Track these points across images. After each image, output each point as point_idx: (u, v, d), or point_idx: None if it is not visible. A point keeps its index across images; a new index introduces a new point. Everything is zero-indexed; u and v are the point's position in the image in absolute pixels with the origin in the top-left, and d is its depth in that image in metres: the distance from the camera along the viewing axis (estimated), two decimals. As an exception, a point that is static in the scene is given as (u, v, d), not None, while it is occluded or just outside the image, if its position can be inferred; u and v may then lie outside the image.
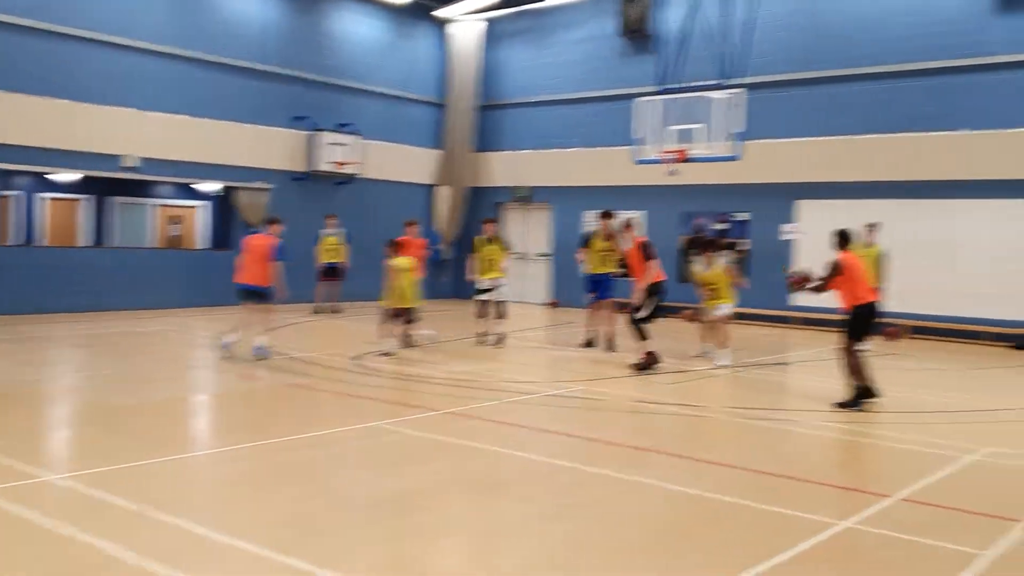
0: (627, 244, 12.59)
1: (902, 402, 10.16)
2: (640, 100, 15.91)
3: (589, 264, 14.23)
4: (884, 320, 13.99)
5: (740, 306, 19.77)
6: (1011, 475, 7.36)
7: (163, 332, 14.94)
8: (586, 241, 14.44)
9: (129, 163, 17.94)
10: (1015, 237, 16.51)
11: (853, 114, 18.28)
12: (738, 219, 19.92)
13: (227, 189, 19.93)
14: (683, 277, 20.00)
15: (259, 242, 12.31)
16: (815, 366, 13.24)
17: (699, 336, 13.53)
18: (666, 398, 10.24)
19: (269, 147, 20.22)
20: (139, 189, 21.31)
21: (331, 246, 18.65)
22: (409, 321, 13.16)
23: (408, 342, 13.39)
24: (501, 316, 14.51)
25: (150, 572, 4.65)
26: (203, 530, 5.28)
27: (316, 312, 18.44)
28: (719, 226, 20.18)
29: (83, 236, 21.33)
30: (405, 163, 23.21)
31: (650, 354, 11.82)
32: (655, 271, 11.99)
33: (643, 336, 11.90)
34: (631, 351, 12.36)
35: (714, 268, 12.89)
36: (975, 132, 16.92)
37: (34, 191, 20.52)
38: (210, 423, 9.04)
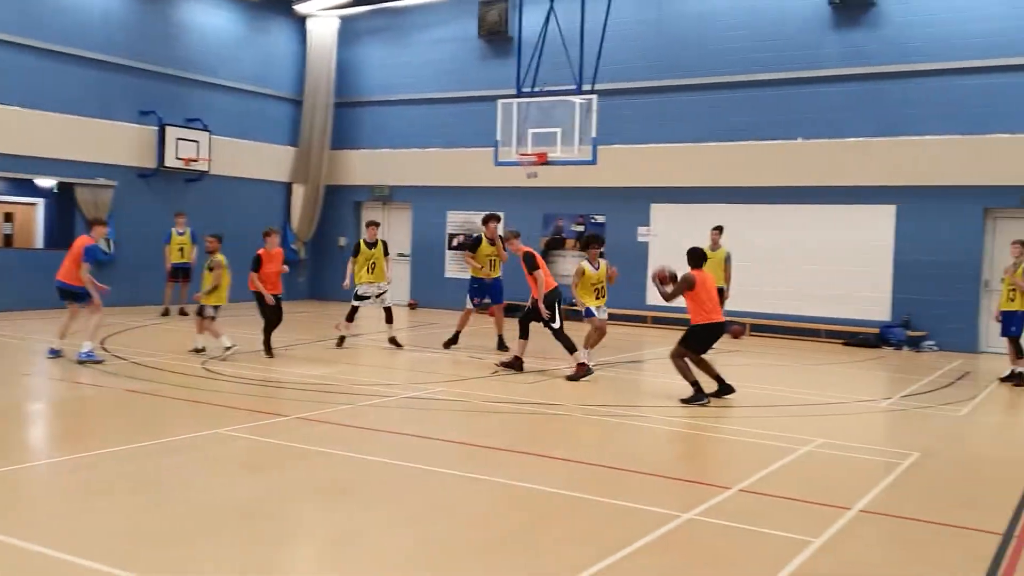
0: (513, 252, 12.60)
1: (744, 397, 10.61)
2: (501, 102, 16.02)
3: (477, 268, 14.20)
4: (728, 320, 14.60)
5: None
6: (843, 464, 7.79)
7: (-7, 337, 14.00)
8: (474, 245, 14.35)
9: (-44, 156, 16.75)
10: (846, 240, 17.59)
11: (699, 122, 19.03)
12: (596, 221, 20.37)
13: (67, 185, 18.88)
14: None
15: (78, 242, 11.86)
16: (667, 364, 13.64)
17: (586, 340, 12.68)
18: (523, 397, 10.35)
19: (113, 142, 19.27)
20: (-32, 184, 19.92)
21: (180, 246, 17.95)
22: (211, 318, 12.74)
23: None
24: (390, 321, 14.38)
25: (-34, 594, 4.35)
26: (36, 547, 4.96)
27: (165, 314, 17.71)
28: (577, 227, 20.58)
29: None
30: (259, 160, 22.59)
31: (583, 363, 11.59)
32: (544, 280, 11.90)
33: (569, 347, 11.72)
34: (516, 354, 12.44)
35: (602, 266, 12.36)
36: (809, 141, 17.91)
37: None
38: (44, 433, 8.53)
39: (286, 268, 13.06)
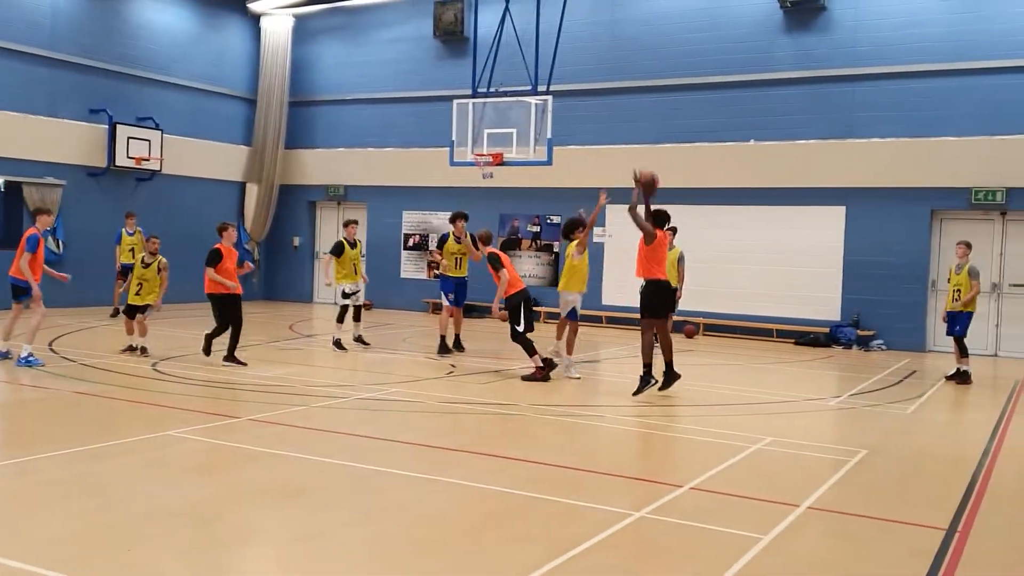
0: (479, 254, 12.54)
1: (697, 396, 10.72)
2: (456, 102, 16.01)
3: (445, 267, 14.22)
4: (683, 319, 14.81)
5: (552, 306, 20.38)
6: (792, 462, 7.90)
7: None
8: (441, 243, 14.31)
9: None
10: (797, 241, 17.86)
11: (653, 123, 19.20)
12: (552, 222, 20.44)
13: (14, 184, 18.47)
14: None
15: (24, 235, 11.58)
16: (622, 363, 13.76)
17: (557, 335, 12.65)
18: (478, 398, 10.35)
19: (62, 140, 18.91)
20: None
21: (131, 246, 17.64)
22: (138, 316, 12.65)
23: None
24: (358, 319, 14.47)
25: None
26: (-31, 553, 4.85)
27: (114, 315, 17.40)
28: (533, 228, 20.64)
29: None
30: (212, 159, 22.32)
31: (541, 366, 11.56)
32: (506, 281, 11.79)
33: (529, 350, 11.66)
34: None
35: (584, 255, 12.10)
36: (761, 143, 18.16)
37: None
38: (-14, 437, 8.34)
39: (251, 266, 12.47)
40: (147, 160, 20.05)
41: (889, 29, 17.19)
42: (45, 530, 5.36)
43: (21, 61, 18.24)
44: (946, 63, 16.69)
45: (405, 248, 22.23)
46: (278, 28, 22.91)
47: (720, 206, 18.54)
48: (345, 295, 14.26)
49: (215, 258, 11.77)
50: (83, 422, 8.55)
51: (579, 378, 11.82)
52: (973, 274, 12.68)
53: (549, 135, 14.97)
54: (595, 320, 19.47)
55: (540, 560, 5.05)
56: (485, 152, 15.44)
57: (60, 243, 18.48)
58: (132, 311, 12.67)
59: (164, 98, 21.08)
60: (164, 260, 12.66)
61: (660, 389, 10.54)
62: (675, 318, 14.55)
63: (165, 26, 21.17)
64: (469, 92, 16.09)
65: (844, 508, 6.38)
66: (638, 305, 10.88)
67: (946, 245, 16.53)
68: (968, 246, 12.94)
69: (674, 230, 15.45)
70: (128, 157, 19.69)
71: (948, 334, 13.08)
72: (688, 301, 16.48)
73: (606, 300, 19.31)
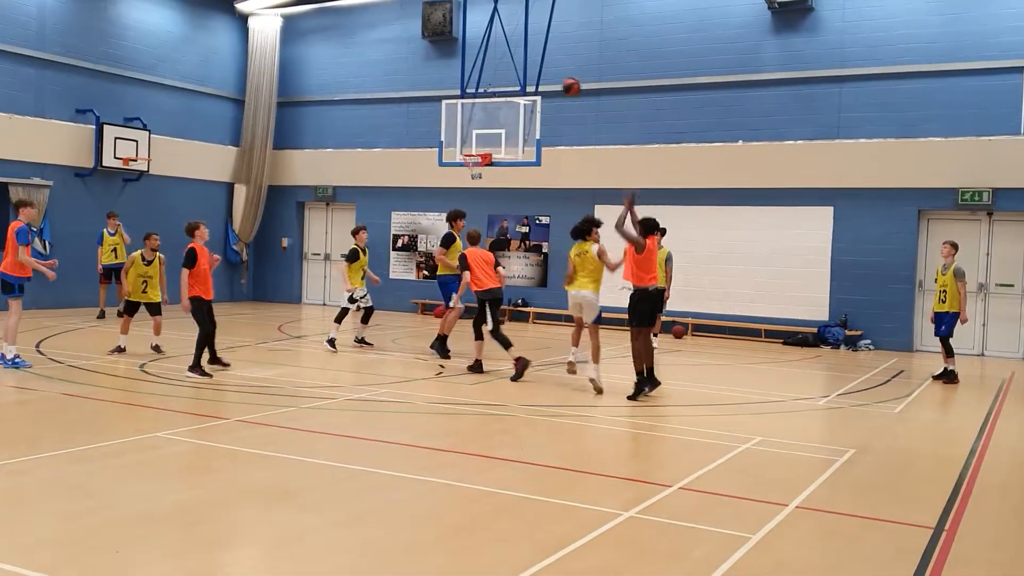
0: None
1: (685, 396, 10.75)
2: (445, 103, 16.01)
3: (452, 267, 14.10)
4: (671, 319, 14.86)
5: (540, 306, 20.41)
6: (780, 462, 7.93)
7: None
8: (448, 242, 14.07)
9: None
10: (785, 242, 17.93)
11: (641, 124, 19.25)
12: (541, 222, 20.45)
13: (0, 185, 18.35)
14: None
15: (9, 228, 11.42)
16: (610, 363, 13.76)
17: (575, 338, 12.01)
18: (467, 398, 10.35)
19: (48, 141, 18.81)
20: None
21: (113, 246, 17.50)
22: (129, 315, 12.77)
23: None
24: (366, 321, 14.69)
25: None
26: (-44, 556, 4.83)
27: (101, 316, 17.33)
28: (522, 228, 20.65)
29: None
30: (200, 160, 22.24)
31: (519, 360, 11.70)
32: (472, 279, 12.06)
33: (504, 344, 11.84)
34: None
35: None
36: (749, 144, 18.22)
37: None
38: (-27, 439, 8.28)
39: (218, 257, 11.85)
40: (135, 161, 19.96)
41: (876, 30, 17.28)
42: (33, 532, 5.33)
43: (7, 61, 18.14)
44: (933, 64, 16.79)
45: (394, 249, 22.20)
46: (266, 28, 22.85)
47: (708, 207, 18.59)
48: (352, 300, 14.38)
49: (193, 259, 11.10)
50: (71, 424, 8.50)
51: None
52: (959, 275, 12.73)
53: (538, 136, 14.99)
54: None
55: (529, 560, 5.05)
56: (474, 153, 15.44)
57: (47, 244, 18.36)
58: (132, 308, 12.66)
59: (151, 98, 21.00)
60: (162, 256, 12.75)
61: (631, 397, 10.47)
62: (664, 318, 14.61)
63: (152, 26, 21.09)
64: (458, 93, 16.09)
65: (832, 507, 6.41)
66: (624, 306, 10.89)
67: (933, 245, 16.62)
68: (953, 246, 12.97)
69: (663, 231, 15.52)
70: (115, 158, 19.60)
71: (936, 335, 13.12)
72: (676, 302, 16.55)
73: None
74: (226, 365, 11.65)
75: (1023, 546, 5.91)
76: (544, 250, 20.40)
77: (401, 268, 22.13)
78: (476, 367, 12.22)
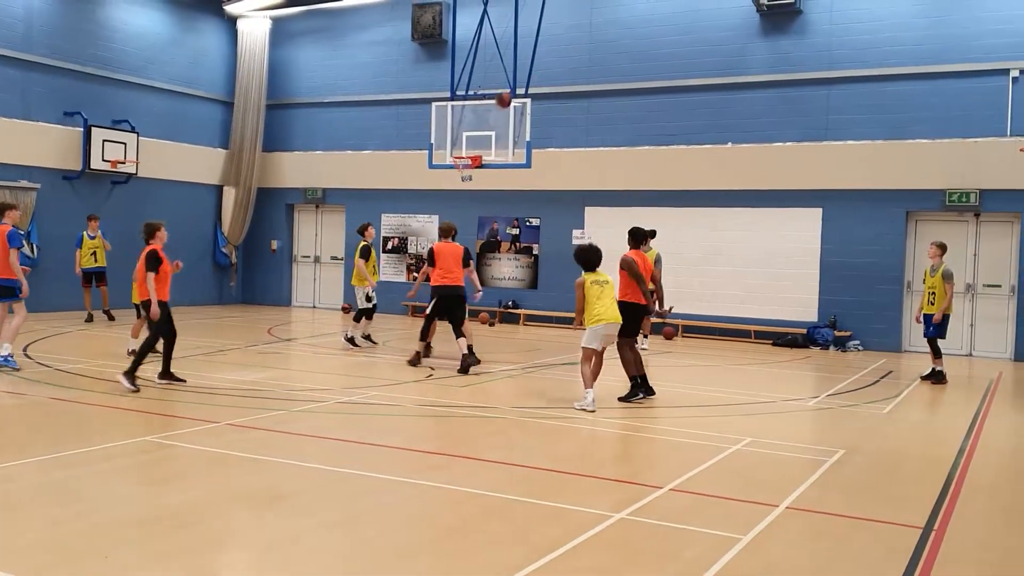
0: None
1: (675, 397, 10.77)
2: (435, 105, 16.00)
3: None
4: (661, 320, 14.88)
5: (531, 308, 20.41)
6: (770, 462, 7.96)
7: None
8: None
9: None
10: (774, 243, 17.98)
11: (631, 126, 19.28)
12: (531, 224, 20.47)
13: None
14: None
15: (1, 233, 11.34)
16: (605, 366, 13.75)
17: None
18: (458, 400, 10.35)
19: (35, 143, 18.71)
20: None
21: (93, 249, 17.39)
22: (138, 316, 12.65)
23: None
24: (370, 318, 14.97)
25: None
26: (-56, 562, 4.80)
27: (89, 320, 17.24)
28: (512, 231, 20.66)
29: None
30: (189, 162, 22.16)
31: (417, 352, 12.69)
32: (431, 274, 12.52)
33: (422, 336, 12.75)
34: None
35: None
36: (739, 145, 18.28)
37: None
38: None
39: (180, 264, 11.18)
40: (123, 163, 19.88)
41: (864, 33, 17.35)
42: (22, 537, 5.31)
43: (-6, 63, 18.06)
44: (920, 66, 16.87)
45: (384, 251, 22.17)
46: (255, 30, 22.80)
47: (698, 208, 18.63)
48: (369, 299, 14.60)
49: (157, 262, 10.45)
50: (60, 428, 8.47)
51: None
52: (947, 277, 12.77)
53: (528, 138, 15.00)
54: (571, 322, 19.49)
55: (521, 562, 5.05)
56: (464, 155, 15.44)
57: (35, 247, 18.27)
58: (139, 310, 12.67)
59: (140, 101, 20.93)
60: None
61: (623, 399, 10.51)
62: (653, 320, 14.62)
63: (141, 28, 21.01)
64: (448, 95, 16.09)
65: (822, 508, 6.43)
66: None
67: (921, 247, 16.69)
68: (940, 247, 13.00)
69: (652, 233, 15.55)
70: (103, 160, 19.52)
71: (925, 335, 13.13)
72: (666, 303, 16.52)
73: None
74: (180, 381, 10.59)
75: (1012, 545, 5.94)
76: (534, 252, 20.41)
77: (391, 270, 22.10)
78: (415, 360, 12.65)
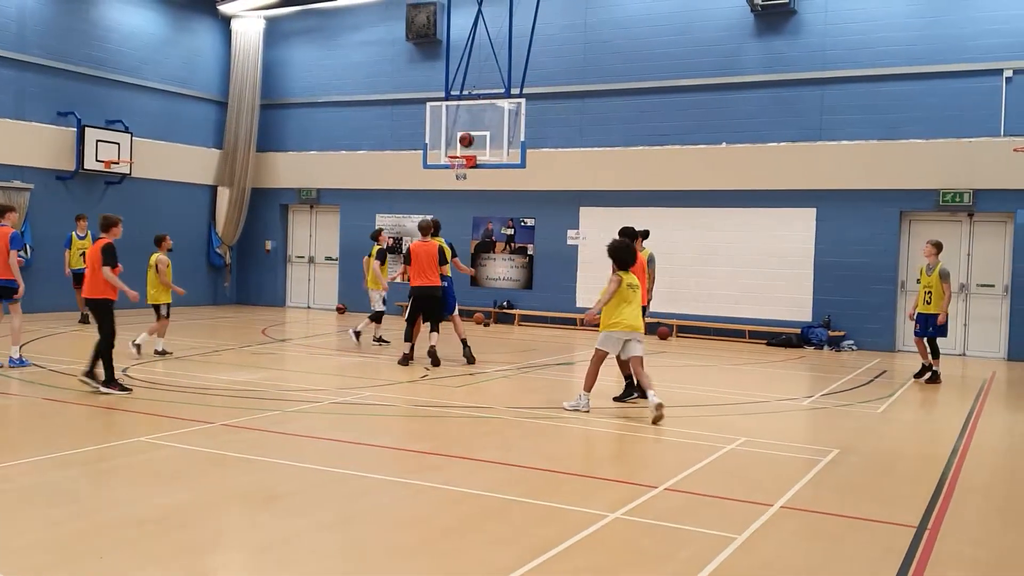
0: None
1: (670, 398, 10.74)
2: (429, 105, 16.00)
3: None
4: (655, 321, 14.92)
5: (526, 308, 20.41)
6: (765, 462, 7.97)
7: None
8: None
9: None
10: (769, 243, 18.01)
11: (625, 126, 19.30)
12: (526, 224, 20.47)
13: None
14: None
15: (4, 234, 11.40)
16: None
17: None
18: (453, 400, 10.34)
19: (29, 143, 18.67)
20: None
21: (82, 250, 17.33)
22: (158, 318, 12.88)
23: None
24: (379, 320, 15.35)
25: None
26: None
27: (83, 321, 17.18)
28: (507, 231, 20.66)
29: None
30: (183, 163, 22.12)
31: (405, 354, 12.83)
32: (412, 275, 12.80)
33: (405, 336, 12.95)
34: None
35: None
36: (733, 146, 18.30)
37: None
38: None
39: (120, 266, 10.64)
40: (117, 163, 19.84)
41: (858, 33, 17.39)
42: (18, 538, 5.30)
43: (-13, 63, 18.02)
44: (914, 66, 16.91)
45: (378, 251, 22.12)
46: (249, 30, 22.77)
47: (692, 208, 18.65)
48: (384, 301, 15.11)
49: (115, 256, 10.01)
50: (54, 429, 8.45)
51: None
52: (944, 276, 12.77)
53: (522, 138, 15.00)
54: (570, 323, 19.52)
55: (516, 562, 5.06)
56: (459, 155, 15.44)
57: (28, 248, 18.22)
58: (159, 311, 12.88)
59: (134, 101, 20.88)
60: (164, 258, 12.89)
61: (618, 399, 10.53)
62: (648, 320, 14.62)
63: (134, 28, 20.97)
64: (442, 95, 16.09)
65: (817, 507, 6.45)
66: None
67: (915, 246, 16.75)
68: (936, 246, 13.00)
69: (645, 233, 15.52)
70: (97, 160, 19.48)
71: (918, 335, 13.10)
72: (660, 303, 16.58)
73: (580, 303, 19.35)
74: (127, 390, 9.96)
75: (1005, 545, 5.96)
76: (529, 252, 20.41)
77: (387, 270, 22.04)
78: (404, 360, 12.82)
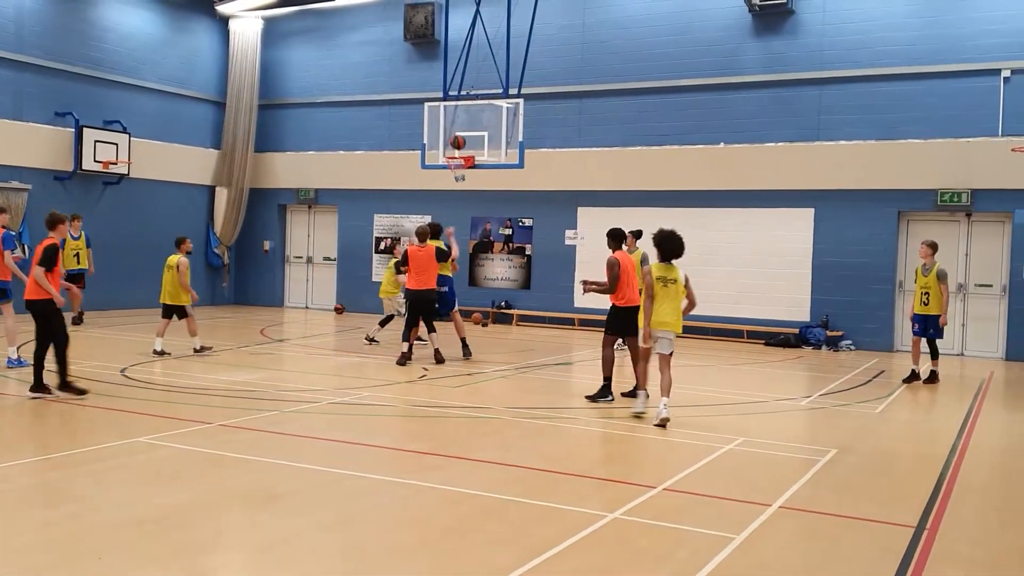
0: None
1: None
2: (427, 105, 15.99)
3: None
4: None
5: (524, 308, 20.41)
6: (763, 462, 7.98)
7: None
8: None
9: None
10: (767, 243, 18.02)
11: (624, 126, 19.29)
12: (524, 224, 20.47)
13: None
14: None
15: None
16: (594, 365, 13.77)
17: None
18: (451, 401, 10.34)
19: (27, 144, 18.64)
20: None
21: (75, 251, 17.28)
22: (179, 318, 13.20)
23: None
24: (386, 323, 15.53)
25: None
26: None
27: (78, 322, 17.14)
28: (505, 231, 20.66)
29: None
30: (181, 163, 22.10)
31: (403, 354, 12.96)
32: (409, 279, 12.95)
33: (403, 337, 13.10)
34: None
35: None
36: (731, 146, 18.30)
37: None
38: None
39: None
40: (115, 164, 19.82)
41: (856, 33, 17.40)
42: (16, 539, 5.29)
43: (-15, 63, 18.00)
44: (912, 66, 16.92)
45: (376, 252, 22.15)
46: (247, 30, 22.75)
47: (690, 208, 18.62)
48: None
49: (54, 257, 9.74)
50: (52, 429, 8.45)
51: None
52: (941, 277, 12.75)
53: (521, 138, 14.99)
54: (567, 322, 19.52)
55: (515, 562, 5.06)
56: (456, 155, 15.43)
57: (26, 248, 18.19)
58: (182, 312, 13.15)
59: (132, 101, 20.86)
60: (185, 260, 13.14)
61: (590, 398, 10.55)
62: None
63: (132, 28, 20.95)
64: (440, 95, 16.07)
65: (815, 507, 6.45)
66: (604, 307, 10.92)
67: (913, 246, 16.74)
68: (931, 246, 12.97)
69: (638, 233, 15.51)
70: (95, 161, 19.46)
71: (916, 335, 13.08)
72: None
73: (579, 302, 19.35)
74: (82, 392, 9.63)
75: (1004, 544, 5.96)
76: (527, 252, 20.41)
77: (384, 271, 22.05)
78: (402, 360, 12.90)
